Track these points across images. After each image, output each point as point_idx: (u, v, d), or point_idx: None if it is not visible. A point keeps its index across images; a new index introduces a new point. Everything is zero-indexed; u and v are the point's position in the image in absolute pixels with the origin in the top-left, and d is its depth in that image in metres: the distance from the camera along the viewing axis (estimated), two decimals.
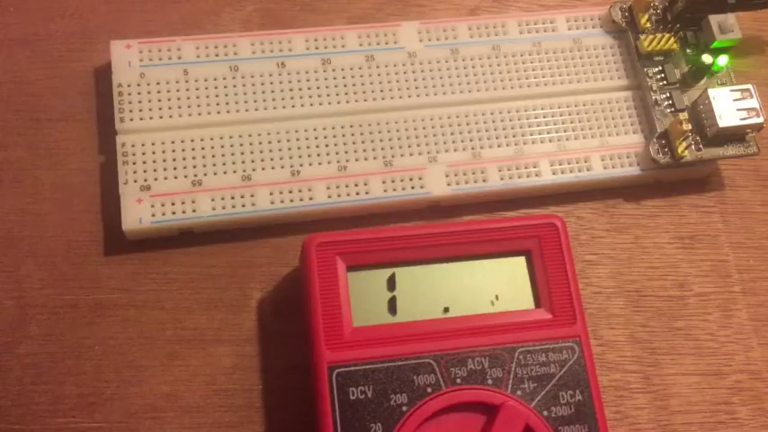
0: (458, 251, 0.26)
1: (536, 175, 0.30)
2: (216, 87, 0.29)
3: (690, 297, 0.30)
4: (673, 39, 0.31)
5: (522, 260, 0.27)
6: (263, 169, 0.29)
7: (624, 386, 0.28)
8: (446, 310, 0.26)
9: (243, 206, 0.28)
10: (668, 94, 0.31)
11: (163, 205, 0.28)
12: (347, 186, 0.29)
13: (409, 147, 0.29)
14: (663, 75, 0.31)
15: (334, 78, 0.30)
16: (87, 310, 0.27)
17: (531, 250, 0.27)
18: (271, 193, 0.28)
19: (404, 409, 0.24)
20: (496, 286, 0.26)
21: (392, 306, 0.26)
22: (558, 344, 0.26)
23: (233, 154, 0.29)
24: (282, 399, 0.27)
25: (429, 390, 0.25)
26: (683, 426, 0.28)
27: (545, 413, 0.25)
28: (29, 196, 0.29)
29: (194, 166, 0.28)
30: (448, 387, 0.25)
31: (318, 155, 0.29)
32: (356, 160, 0.29)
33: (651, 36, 0.31)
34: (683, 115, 0.30)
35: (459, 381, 0.25)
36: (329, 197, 0.29)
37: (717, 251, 0.30)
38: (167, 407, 0.26)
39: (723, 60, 0.31)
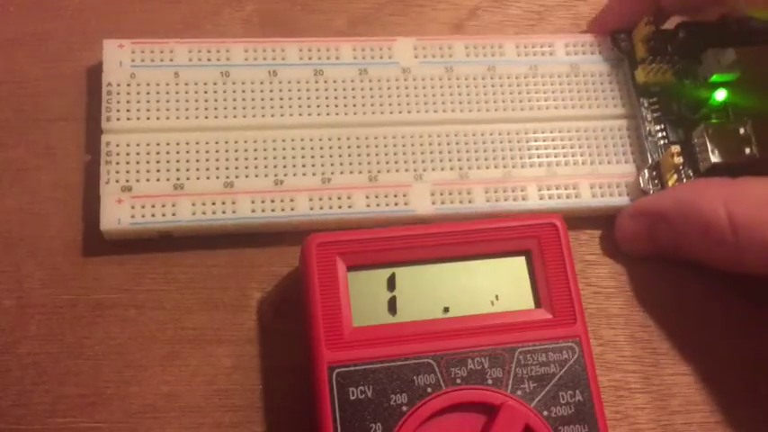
0: (458, 251, 0.26)
1: (523, 199, 0.29)
2: (206, 92, 0.29)
3: None
4: (671, 70, 0.31)
5: (521, 260, 0.27)
6: (246, 177, 0.28)
7: (624, 386, 0.28)
8: (446, 310, 0.26)
9: (223, 212, 0.28)
10: (662, 126, 0.30)
11: (143, 207, 0.27)
12: (330, 199, 0.28)
13: (396, 163, 0.29)
14: (658, 106, 0.30)
15: (326, 90, 0.30)
16: (87, 310, 0.27)
17: (530, 250, 0.27)
18: (252, 202, 0.28)
19: (404, 408, 0.24)
20: (496, 286, 0.26)
21: (392, 306, 0.26)
22: (558, 344, 0.26)
23: (217, 160, 0.28)
24: (282, 399, 0.27)
25: (429, 390, 0.25)
26: (683, 426, 0.28)
27: (545, 413, 0.25)
28: (29, 196, 0.29)
29: (177, 170, 0.28)
30: (448, 387, 0.25)
31: (303, 165, 0.29)
32: (341, 173, 0.29)
33: (649, 66, 0.30)
34: (676, 148, 0.29)
35: (459, 381, 0.25)
36: (311, 209, 0.28)
37: None
38: (167, 407, 0.26)
39: (721, 95, 0.30)
